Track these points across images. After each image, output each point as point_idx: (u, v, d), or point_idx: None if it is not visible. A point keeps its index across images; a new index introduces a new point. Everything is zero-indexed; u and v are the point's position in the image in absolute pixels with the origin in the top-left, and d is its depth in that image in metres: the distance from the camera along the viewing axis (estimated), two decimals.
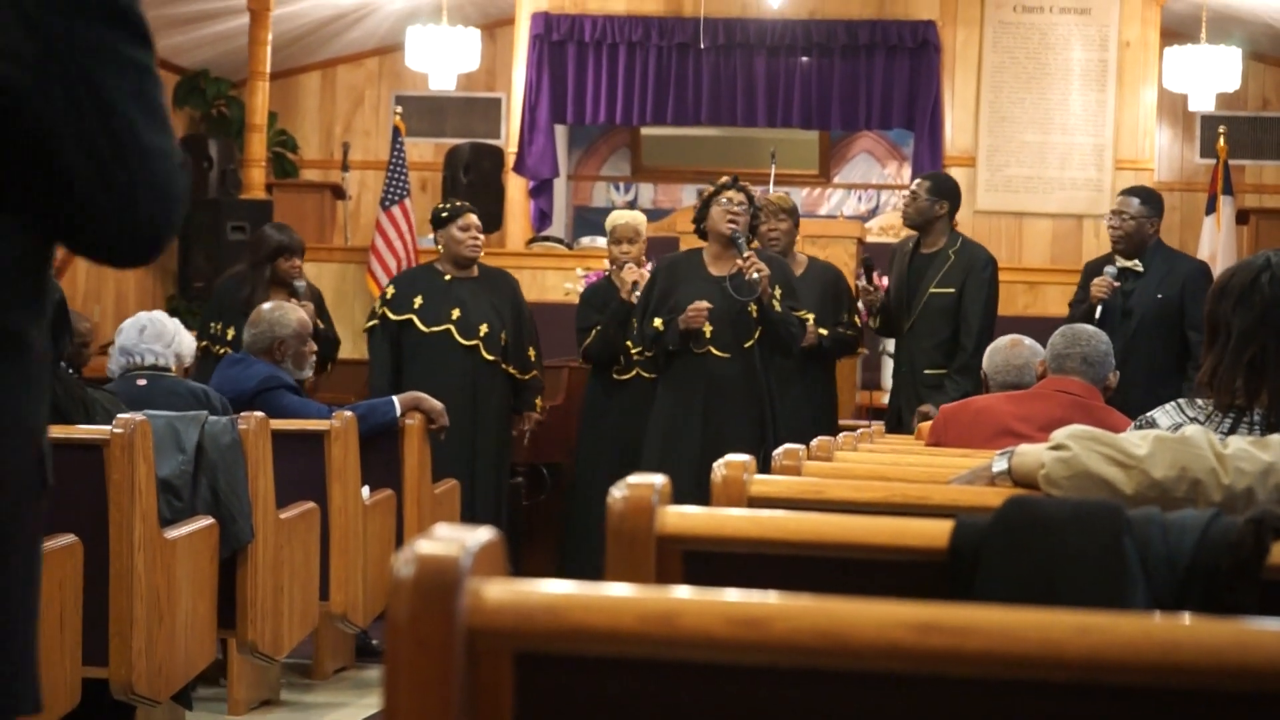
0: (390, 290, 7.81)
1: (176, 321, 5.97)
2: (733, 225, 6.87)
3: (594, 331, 7.71)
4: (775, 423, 6.94)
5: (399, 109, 11.66)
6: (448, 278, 7.69)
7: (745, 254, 6.78)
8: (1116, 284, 7.37)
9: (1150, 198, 7.58)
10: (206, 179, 11.67)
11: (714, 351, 6.89)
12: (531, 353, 7.79)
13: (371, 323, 7.78)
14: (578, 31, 11.73)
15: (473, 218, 7.74)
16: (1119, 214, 7.49)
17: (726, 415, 6.87)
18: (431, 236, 11.36)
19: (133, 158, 1.95)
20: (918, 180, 7.99)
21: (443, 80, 11.39)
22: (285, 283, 7.83)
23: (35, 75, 1.89)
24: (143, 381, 5.68)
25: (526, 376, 7.74)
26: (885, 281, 7.95)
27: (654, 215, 12.74)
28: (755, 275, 6.73)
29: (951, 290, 7.58)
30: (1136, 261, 7.41)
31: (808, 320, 7.13)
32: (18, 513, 1.91)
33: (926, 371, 7.60)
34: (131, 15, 1.95)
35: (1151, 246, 7.46)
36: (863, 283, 7.77)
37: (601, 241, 10.94)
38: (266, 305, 6.66)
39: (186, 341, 5.94)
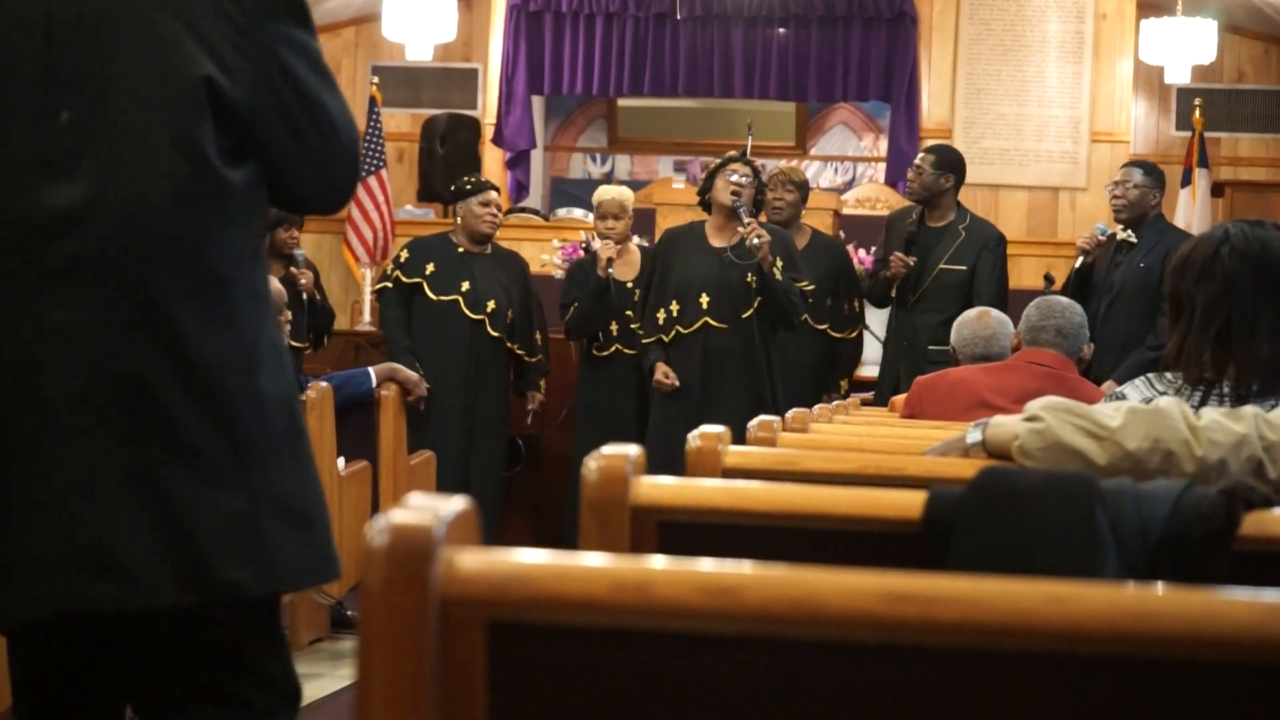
0: (404, 254, 7.82)
1: None
2: (735, 196, 6.88)
3: (573, 307, 7.72)
4: (775, 395, 6.94)
5: (375, 79, 11.62)
6: (461, 250, 7.72)
7: (746, 221, 6.79)
8: (1102, 238, 7.43)
9: (1152, 170, 7.64)
10: None
11: (711, 323, 6.90)
12: (538, 336, 7.80)
13: (383, 284, 7.80)
14: (555, 2, 11.70)
15: (493, 194, 7.77)
16: (1121, 184, 7.54)
17: (724, 387, 6.88)
18: (409, 207, 11.40)
19: (325, 126, 2.49)
20: (921, 154, 7.96)
21: (419, 50, 11.35)
22: (283, 254, 7.82)
23: (246, 68, 2.39)
24: None
25: (533, 359, 7.76)
26: (864, 254, 7.95)
27: (631, 187, 12.72)
28: (756, 241, 6.72)
29: (963, 268, 7.58)
30: (1131, 233, 7.45)
31: (808, 291, 7.13)
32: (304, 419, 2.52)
33: (931, 347, 7.59)
34: (304, 7, 2.51)
35: (1152, 220, 7.51)
36: (901, 255, 7.63)
37: (578, 213, 10.94)
38: None
39: None
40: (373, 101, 11.10)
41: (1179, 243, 7.50)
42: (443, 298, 7.59)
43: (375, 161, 10.76)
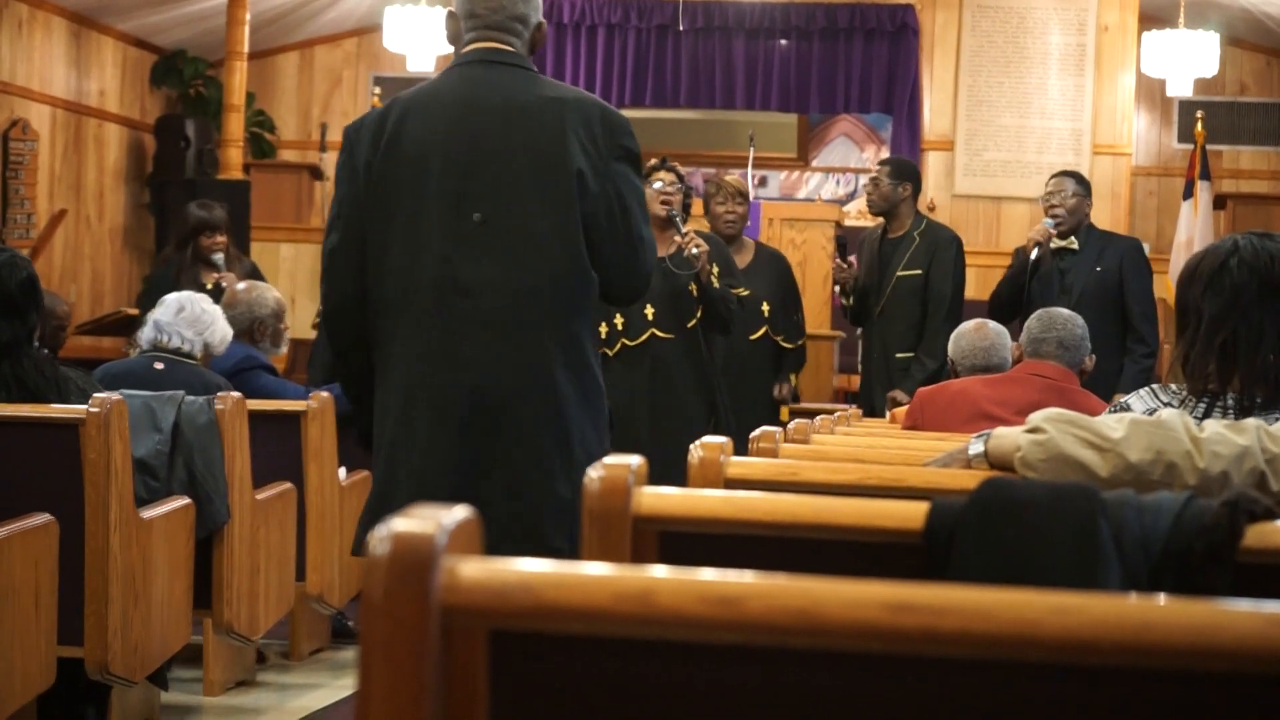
0: None
1: (218, 310, 5.91)
2: (667, 205, 6.93)
3: None
4: (723, 402, 6.96)
5: (377, 90, 11.62)
6: None
7: (684, 231, 6.83)
8: (1053, 231, 7.49)
9: (1082, 179, 7.74)
10: (184, 159, 11.62)
11: (657, 333, 6.89)
12: None
13: None
14: (556, 13, 11.71)
15: None
16: (1058, 193, 7.64)
17: (673, 396, 6.87)
18: None
19: (636, 243, 3.69)
20: (877, 166, 8.07)
21: (421, 61, 11.36)
22: (206, 259, 7.81)
23: (597, 186, 3.62)
24: (160, 365, 5.64)
25: None
26: (853, 262, 8.00)
27: None
28: (694, 250, 6.75)
29: (918, 272, 7.66)
30: (1072, 239, 7.53)
31: (743, 296, 7.13)
32: (608, 440, 3.76)
33: (899, 355, 7.65)
34: (638, 156, 3.76)
35: (1085, 227, 7.59)
36: (838, 260, 7.86)
37: None
38: (241, 285, 6.64)
39: (220, 332, 5.86)
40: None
41: (1128, 244, 7.67)
42: None
43: None
